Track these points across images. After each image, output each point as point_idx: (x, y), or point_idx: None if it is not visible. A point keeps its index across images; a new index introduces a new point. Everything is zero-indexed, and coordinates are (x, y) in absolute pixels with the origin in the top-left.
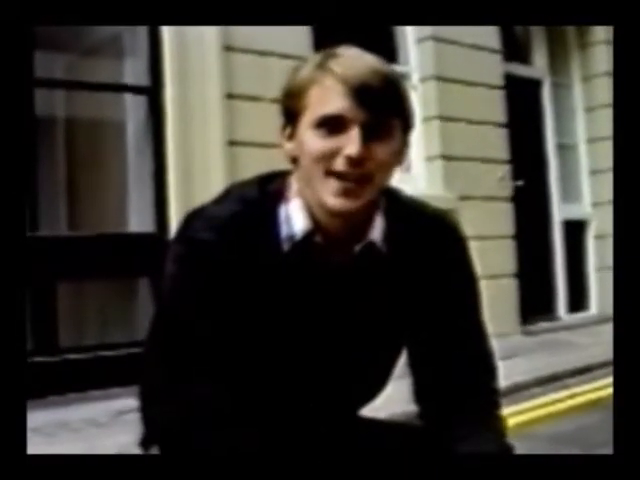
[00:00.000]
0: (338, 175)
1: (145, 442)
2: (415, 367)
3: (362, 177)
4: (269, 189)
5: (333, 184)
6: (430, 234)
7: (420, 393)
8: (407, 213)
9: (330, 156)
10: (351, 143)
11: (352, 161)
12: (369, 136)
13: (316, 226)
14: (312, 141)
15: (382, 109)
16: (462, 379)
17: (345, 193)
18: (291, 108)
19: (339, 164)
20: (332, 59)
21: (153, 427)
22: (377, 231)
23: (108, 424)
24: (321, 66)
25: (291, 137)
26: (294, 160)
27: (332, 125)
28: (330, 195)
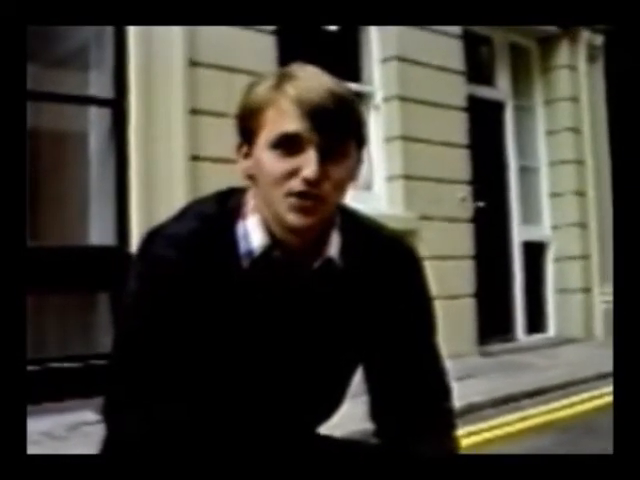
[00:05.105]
0: (296, 194)
1: (106, 454)
2: (371, 385)
3: (319, 196)
4: (227, 205)
5: (291, 202)
6: (386, 253)
7: (375, 411)
8: (363, 231)
9: (288, 177)
10: (308, 165)
11: (309, 182)
12: (325, 157)
13: (274, 242)
14: (270, 162)
15: (337, 131)
16: (416, 398)
17: (302, 210)
18: (247, 127)
19: (297, 185)
20: (288, 80)
21: (115, 440)
22: (334, 248)
23: (66, 437)
24: (277, 87)
25: (247, 155)
26: (250, 177)
27: (288, 146)
28: (288, 212)
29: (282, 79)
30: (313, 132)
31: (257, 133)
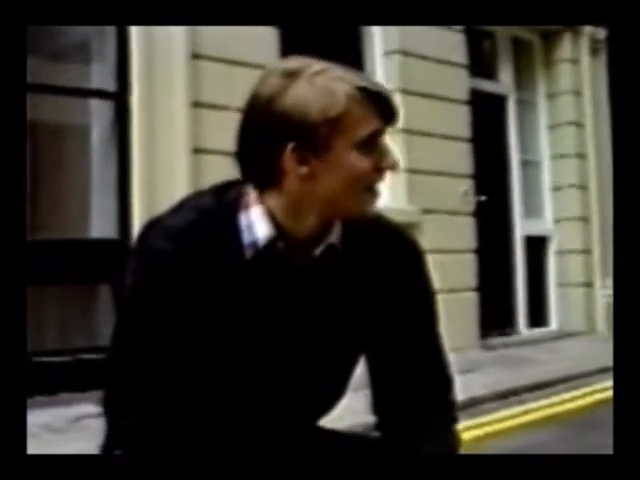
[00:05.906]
0: (373, 186)
1: (107, 448)
2: (373, 378)
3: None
4: (225, 198)
5: (369, 194)
6: (388, 244)
7: (378, 404)
8: (365, 221)
9: (372, 171)
10: (389, 156)
11: (386, 173)
12: None
13: (279, 232)
14: (356, 161)
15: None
16: (419, 391)
17: (376, 198)
18: (317, 133)
19: (378, 177)
20: (347, 75)
21: (116, 434)
22: (335, 235)
23: (65, 430)
24: (355, 86)
25: (306, 161)
26: (280, 178)
27: (370, 143)
28: (367, 203)
29: (330, 72)
30: (385, 126)
31: (340, 136)
